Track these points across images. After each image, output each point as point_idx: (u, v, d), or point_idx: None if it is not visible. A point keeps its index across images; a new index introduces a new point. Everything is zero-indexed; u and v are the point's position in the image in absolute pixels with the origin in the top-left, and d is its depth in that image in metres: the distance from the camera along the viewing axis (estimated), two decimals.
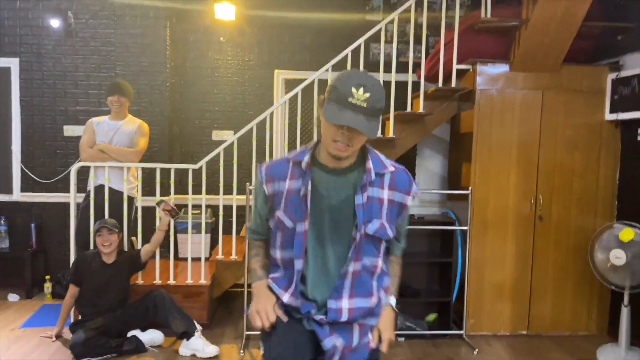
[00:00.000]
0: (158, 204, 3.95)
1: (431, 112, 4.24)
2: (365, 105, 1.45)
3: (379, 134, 1.72)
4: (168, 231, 4.06)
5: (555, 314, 4.17)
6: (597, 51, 4.24)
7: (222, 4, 4.90)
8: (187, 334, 3.65)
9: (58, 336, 3.85)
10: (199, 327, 3.73)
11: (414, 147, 5.14)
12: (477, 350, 3.81)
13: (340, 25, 5.08)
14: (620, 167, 4.10)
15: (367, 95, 1.45)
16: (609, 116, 4.05)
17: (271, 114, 5.05)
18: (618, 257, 3.52)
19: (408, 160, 5.12)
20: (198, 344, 3.61)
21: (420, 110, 4.18)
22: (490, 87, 4.05)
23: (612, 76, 4.01)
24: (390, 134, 4.22)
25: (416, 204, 5.18)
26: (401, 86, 4.34)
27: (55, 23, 4.93)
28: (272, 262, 1.83)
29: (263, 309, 1.71)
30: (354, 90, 1.45)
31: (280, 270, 1.78)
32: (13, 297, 4.79)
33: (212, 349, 3.61)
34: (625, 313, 3.68)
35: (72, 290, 3.75)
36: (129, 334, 3.72)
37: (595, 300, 4.17)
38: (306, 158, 1.64)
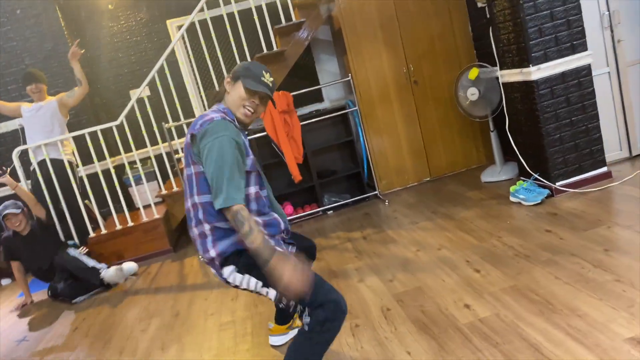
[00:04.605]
0: None
1: (305, 19, 4.83)
2: (271, 85, 2.02)
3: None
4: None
5: (449, 157, 4.99)
6: None
7: None
8: (100, 274, 4.25)
9: (31, 302, 4.41)
10: (104, 265, 4.32)
11: (311, 55, 5.75)
12: (387, 201, 4.64)
13: None
14: (471, 21, 4.79)
15: (272, 79, 2.02)
16: None
17: (175, 60, 5.59)
18: (473, 93, 4.29)
19: (308, 69, 5.75)
20: (112, 271, 4.24)
21: (294, 19, 4.78)
22: None
23: None
24: (275, 48, 4.81)
25: (327, 105, 5.86)
26: (271, 6, 4.89)
27: None
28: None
29: (303, 278, 1.79)
30: (264, 73, 2.01)
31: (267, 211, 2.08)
32: (5, 281, 5.45)
33: (131, 266, 4.49)
34: (493, 137, 4.50)
35: (15, 265, 4.33)
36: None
37: (479, 136, 4.98)
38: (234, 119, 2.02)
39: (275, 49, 4.80)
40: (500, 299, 2.49)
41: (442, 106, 4.90)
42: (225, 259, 2.00)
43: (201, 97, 5.66)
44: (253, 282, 1.98)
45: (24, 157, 4.89)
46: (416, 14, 4.74)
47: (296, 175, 4.51)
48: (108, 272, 4.23)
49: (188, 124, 4.89)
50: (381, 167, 4.91)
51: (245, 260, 1.96)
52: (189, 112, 5.53)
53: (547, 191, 3.66)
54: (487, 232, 3.37)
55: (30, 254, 4.28)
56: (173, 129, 4.96)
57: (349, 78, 4.70)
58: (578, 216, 3.24)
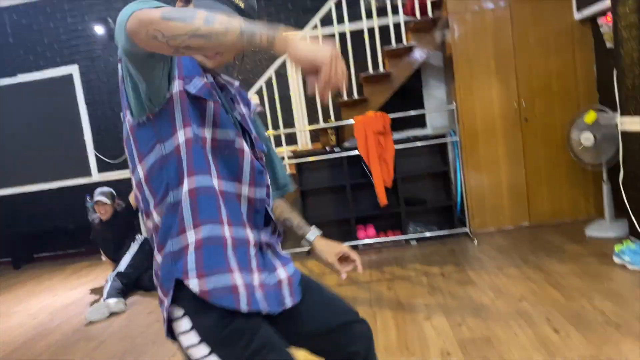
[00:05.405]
0: None
1: (416, 43, 4.76)
2: (242, 5, 1.20)
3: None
4: None
5: (554, 203, 4.59)
6: None
7: None
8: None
9: None
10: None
11: (419, 79, 5.64)
12: (476, 241, 4.36)
13: None
14: (597, 61, 4.41)
15: None
16: (577, 15, 4.37)
17: (284, 73, 5.76)
18: (587, 138, 3.92)
19: (415, 93, 5.64)
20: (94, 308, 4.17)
21: (404, 43, 4.72)
22: (461, 10, 4.50)
23: None
24: (381, 69, 4.78)
25: (429, 132, 5.71)
26: (382, 30, 4.88)
27: (99, 29, 5.93)
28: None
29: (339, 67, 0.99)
30: None
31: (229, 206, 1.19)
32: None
33: None
34: (605, 189, 4.07)
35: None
36: None
37: (591, 186, 4.53)
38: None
39: (382, 70, 4.77)
40: None
41: (552, 148, 4.54)
42: (178, 291, 1.12)
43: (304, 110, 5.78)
44: None
45: None
46: (536, 47, 4.46)
47: (382, 198, 4.41)
48: (90, 309, 3.87)
49: (286, 134, 4.99)
50: (476, 204, 4.64)
51: (209, 319, 1.09)
52: (289, 123, 5.65)
53: None
54: (579, 291, 3.03)
55: (101, 238, 4.65)
56: (271, 137, 5.10)
57: (453, 106, 4.52)
58: None
